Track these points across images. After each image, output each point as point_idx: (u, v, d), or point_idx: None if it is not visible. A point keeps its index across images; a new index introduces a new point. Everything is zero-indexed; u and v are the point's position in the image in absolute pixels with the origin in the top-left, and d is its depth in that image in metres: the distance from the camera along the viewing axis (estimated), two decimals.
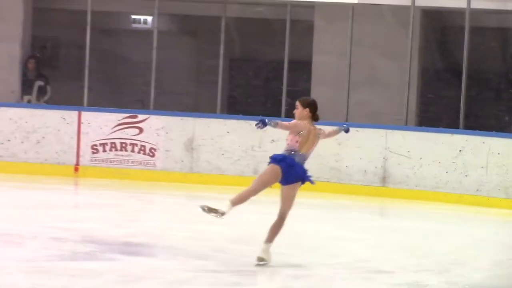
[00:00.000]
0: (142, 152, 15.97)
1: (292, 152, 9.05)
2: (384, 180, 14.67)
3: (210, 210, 8.46)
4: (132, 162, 15.89)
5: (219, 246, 8.34)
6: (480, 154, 14.01)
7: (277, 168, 8.88)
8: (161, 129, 15.77)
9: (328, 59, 17.29)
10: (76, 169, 16.07)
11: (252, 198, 8.74)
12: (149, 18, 19.04)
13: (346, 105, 16.24)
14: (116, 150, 15.87)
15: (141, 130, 15.90)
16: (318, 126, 9.08)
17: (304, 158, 9.07)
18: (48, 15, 19.39)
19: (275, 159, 8.88)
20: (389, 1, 16.68)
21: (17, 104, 17.39)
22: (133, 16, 19.69)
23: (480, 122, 15.34)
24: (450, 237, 11.27)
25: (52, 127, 15.83)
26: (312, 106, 9.10)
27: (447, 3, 16.12)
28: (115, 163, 15.94)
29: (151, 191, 15.05)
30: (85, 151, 15.97)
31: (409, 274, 9.04)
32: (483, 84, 16.41)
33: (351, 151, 14.81)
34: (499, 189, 13.82)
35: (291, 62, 16.66)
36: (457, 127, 14.84)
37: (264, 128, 8.80)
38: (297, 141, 8.98)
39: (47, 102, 17.88)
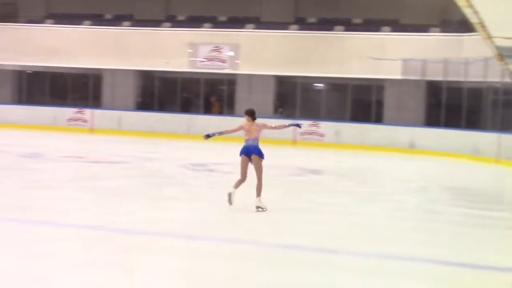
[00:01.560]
0: (317, 135, 26.22)
1: (246, 139, 10.98)
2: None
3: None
4: (317, 138, 25.98)
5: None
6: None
7: (243, 156, 10.94)
8: (329, 128, 26.19)
9: None
10: (294, 142, 26.07)
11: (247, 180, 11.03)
12: (321, 84, 29.12)
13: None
14: (309, 135, 26.05)
15: (319, 127, 26.37)
16: (262, 122, 11.19)
17: (254, 138, 10.92)
18: (284, 82, 28.78)
19: (240, 152, 10.94)
20: None
21: (270, 116, 27.11)
22: (315, 84, 29.45)
23: None
24: None
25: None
26: (248, 113, 10.96)
27: None
28: (309, 139, 25.80)
29: (322, 150, 24.22)
30: (297, 134, 25.98)
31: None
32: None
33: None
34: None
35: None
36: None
37: (209, 139, 11.10)
38: (245, 134, 10.95)
39: (283, 115, 27.95)
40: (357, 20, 30.06)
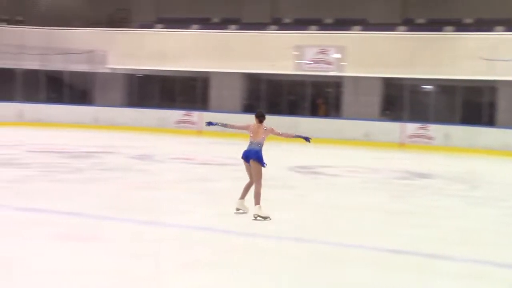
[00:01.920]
0: (426, 138, 26.04)
1: (251, 141, 10.47)
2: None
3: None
4: (426, 141, 25.95)
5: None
6: None
7: (243, 161, 10.55)
8: (438, 131, 25.98)
9: None
10: (401, 145, 26.00)
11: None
12: (429, 87, 28.75)
13: None
14: (417, 137, 26.07)
15: (427, 129, 26.16)
16: (270, 126, 10.56)
17: (258, 142, 10.40)
18: (391, 84, 28.34)
19: (242, 156, 10.48)
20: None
21: (376, 118, 27.81)
22: (423, 86, 29.20)
23: None
24: None
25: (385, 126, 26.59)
26: (257, 116, 10.62)
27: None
28: (417, 142, 25.81)
29: (430, 153, 24.06)
30: (404, 137, 26.13)
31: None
32: None
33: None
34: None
35: None
36: None
37: (211, 126, 11.04)
38: (251, 135, 10.52)
39: (390, 118, 27.99)
40: (468, 20, 29.58)
